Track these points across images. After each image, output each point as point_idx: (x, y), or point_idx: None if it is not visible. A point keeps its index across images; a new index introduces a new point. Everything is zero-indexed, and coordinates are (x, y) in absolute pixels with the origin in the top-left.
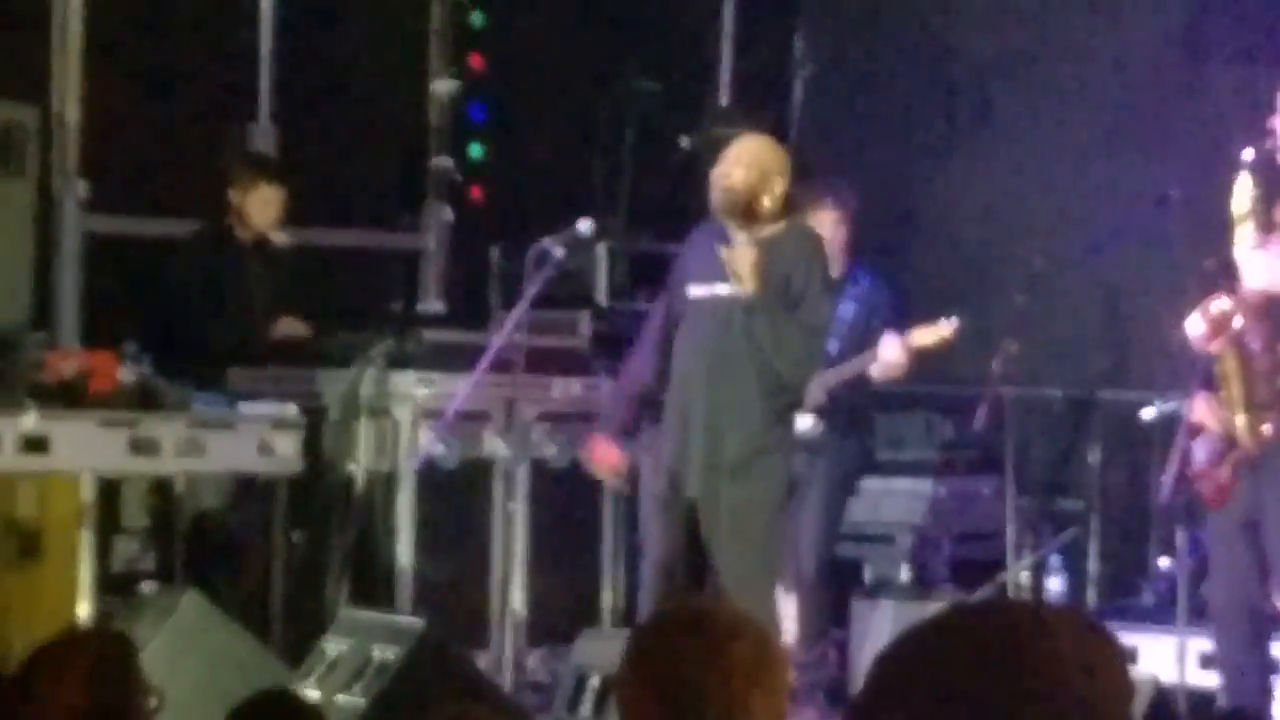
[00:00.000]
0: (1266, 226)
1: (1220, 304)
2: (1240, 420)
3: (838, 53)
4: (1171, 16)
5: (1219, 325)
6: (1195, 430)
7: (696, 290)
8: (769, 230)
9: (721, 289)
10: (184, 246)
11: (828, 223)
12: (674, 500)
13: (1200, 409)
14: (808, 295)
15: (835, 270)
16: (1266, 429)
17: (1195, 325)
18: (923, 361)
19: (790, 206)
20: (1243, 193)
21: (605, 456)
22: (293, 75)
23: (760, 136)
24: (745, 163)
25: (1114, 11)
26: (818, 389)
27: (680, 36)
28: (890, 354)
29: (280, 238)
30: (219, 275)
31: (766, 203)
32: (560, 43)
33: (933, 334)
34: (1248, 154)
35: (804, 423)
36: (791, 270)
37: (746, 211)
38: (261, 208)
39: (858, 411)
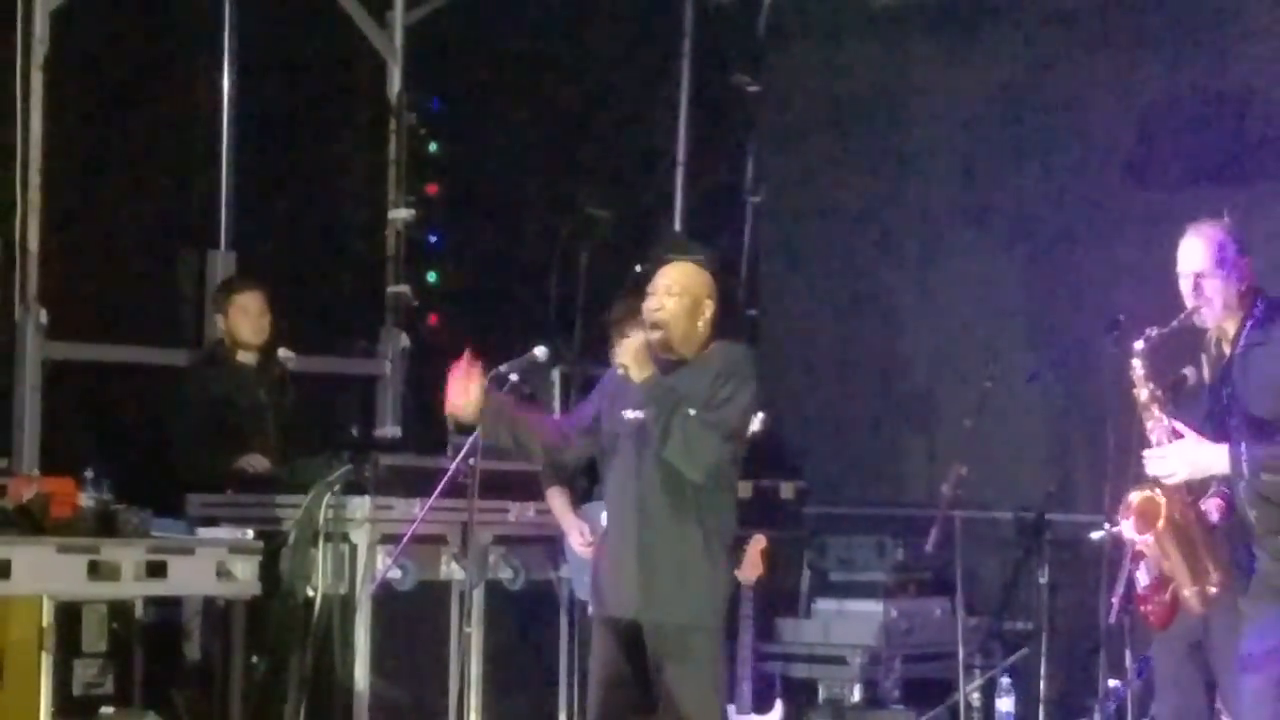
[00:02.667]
0: (1164, 404)
1: (1139, 494)
2: (1189, 593)
3: (789, 179)
4: (1115, 143)
5: (1146, 516)
6: (1138, 556)
7: (621, 419)
8: (701, 353)
9: (643, 414)
10: (189, 373)
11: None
12: (616, 619)
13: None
14: (720, 400)
15: None
16: (1212, 590)
17: (1126, 527)
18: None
19: (714, 330)
20: (1139, 385)
21: (461, 387)
22: (252, 203)
23: (687, 262)
24: (676, 292)
25: (1055, 140)
26: None
27: (634, 163)
28: None
29: (287, 356)
30: (225, 399)
31: (699, 327)
32: (515, 171)
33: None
34: (1139, 345)
35: None
36: (714, 382)
37: (679, 339)
38: (243, 317)
39: None
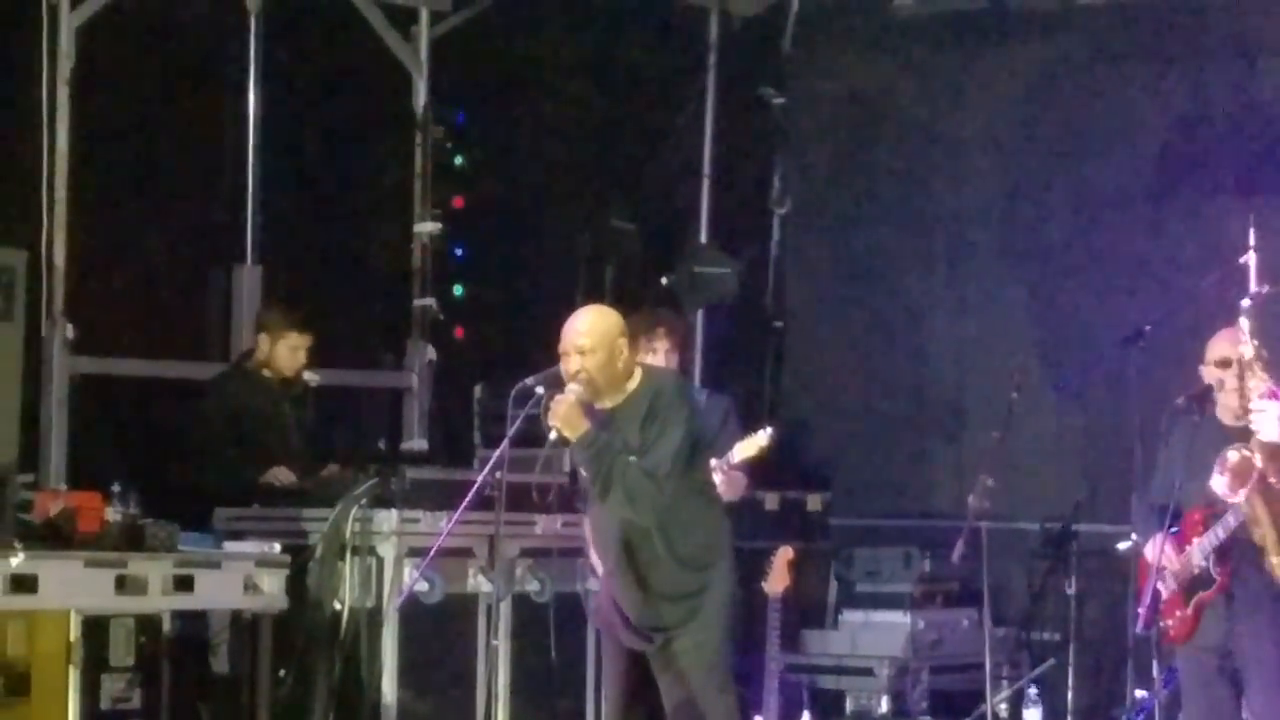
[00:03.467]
0: (1268, 367)
1: (1237, 453)
2: (1276, 561)
3: (815, 190)
4: (1137, 155)
5: (1240, 475)
6: (1157, 570)
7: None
8: (626, 391)
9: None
10: (213, 386)
11: (661, 350)
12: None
13: (1157, 552)
14: (649, 443)
15: None
16: None
17: (1218, 481)
18: (756, 471)
19: (632, 365)
20: (1245, 342)
21: None
22: (278, 217)
23: (591, 311)
24: (590, 348)
25: (1078, 154)
26: None
27: (659, 175)
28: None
29: (312, 378)
30: (248, 412)
31: (619, 368)
32: (541, 184)
33: (752, 446)
34: (1245, 303)
35: None
36: (643, 424)
37: (605, 390)
38: (289, 354)
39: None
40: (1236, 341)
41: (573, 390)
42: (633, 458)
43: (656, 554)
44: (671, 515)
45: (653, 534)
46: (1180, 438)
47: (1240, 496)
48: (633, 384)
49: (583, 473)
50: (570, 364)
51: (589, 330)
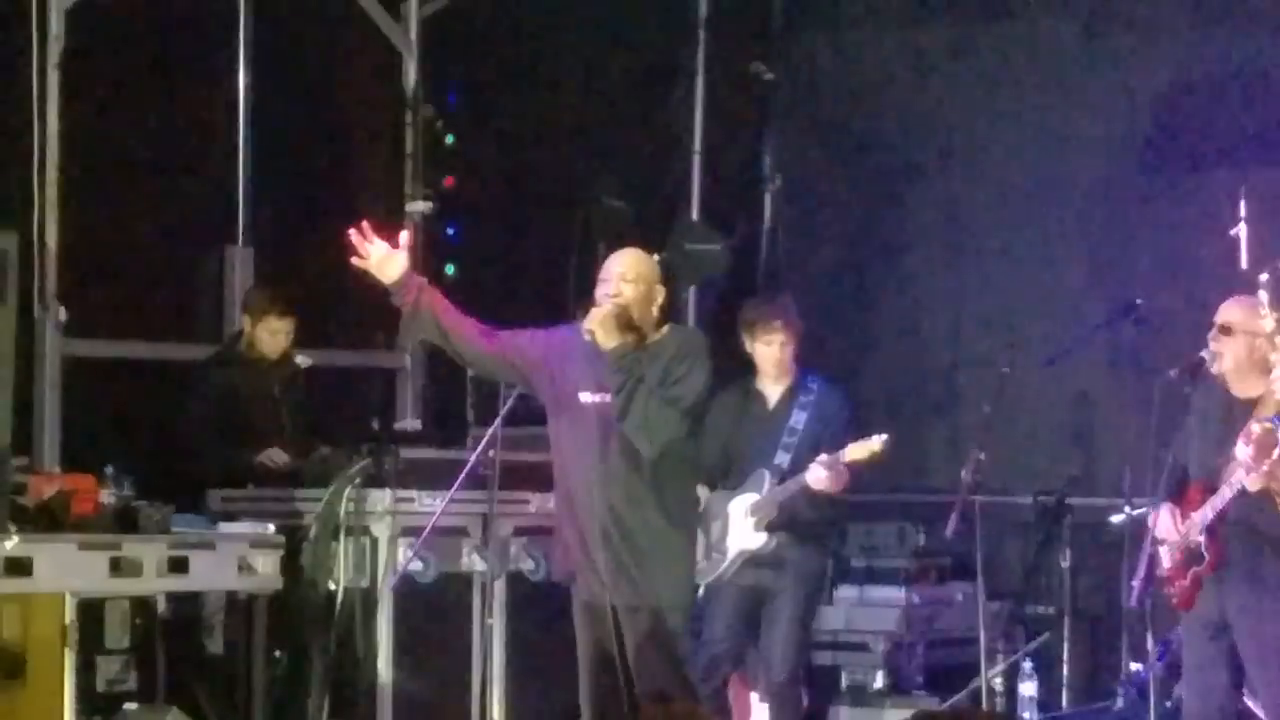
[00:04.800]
0: None
1: (1260, 426)
2: None
3: (807, 166)
4: (1127, 128)
5: (1264, 446)
6: (1159, 540)
7: (587, 397)
8: (654, 337)
9: (601, 398)
10: (204, 368)
11: (777, 342)
12: (593, 605)
13: (1164, 523)
14: (677, 377)
15: (784, 382)
16: None
17: (1241, 450)
18: (858, 474)
19: (668, 314)
20: (1266, 315)
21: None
22: (270, 199)
23: (638, 250)
24: (631, 278)
25: (1070, 125)
26: (769, 505)
27: (651, 152)
28: (819, 481)
29: (304, 360)
30: (239, 393)
31: (654, 313)
32: (532, 162)
33: (864, 449)
34: (1264, 277)
35: (760, 539)
36: (670, 363)
37: (634, 324)
38: (269, 338)
39: (819, 524)
40: (1244, 309)
41: (615, 302)
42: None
43: (637, 505)
44: (669, 466)
45: (642, 484)
46: (1195, 406)
47: (1264, 467)
48: (662, 334)
49: (549, 389)
50: (610, 286)
51: (633, 264)
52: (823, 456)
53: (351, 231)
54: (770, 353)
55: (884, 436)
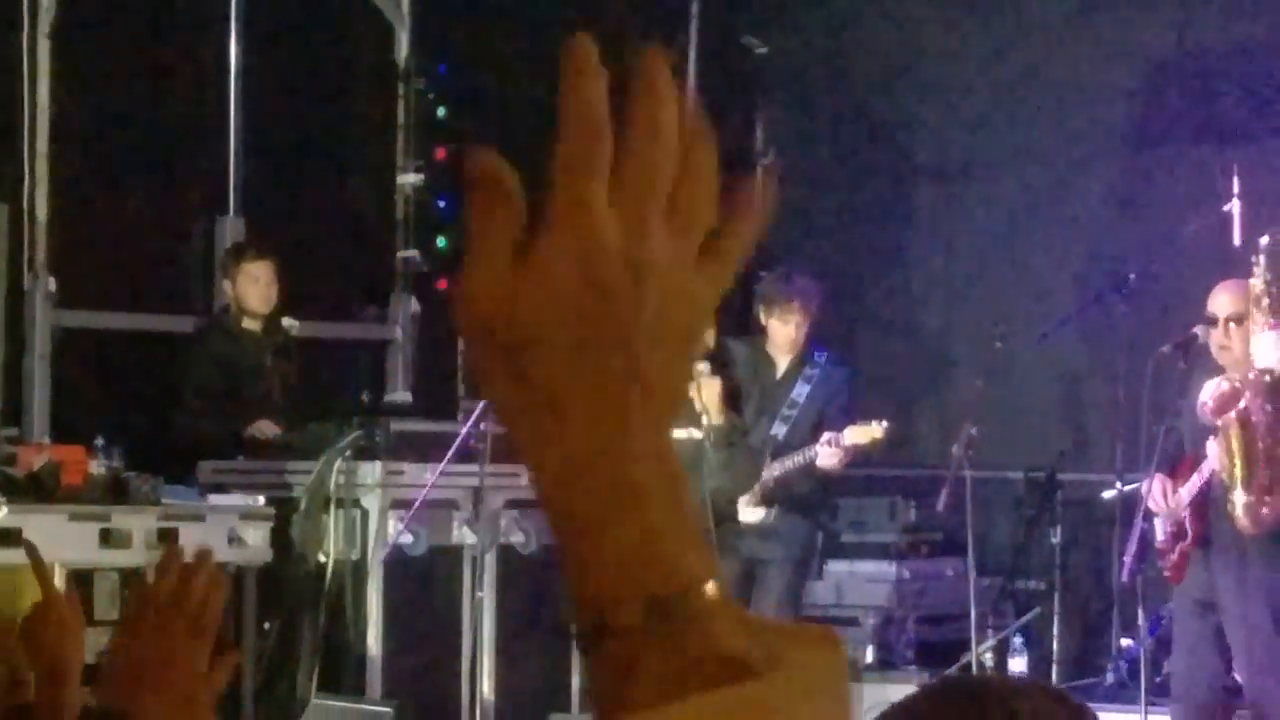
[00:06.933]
0: (1274, 310)
1: (1229, 383)
2: (1238, 498)
3: (799, 141)
4: (1121, 103)
5: (1226, 402)
6: (1151, 512)
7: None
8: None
9: (693, 432)
10: (194, 339)
11: (793, 322)
12: None
13: (1155, 495)
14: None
15: (794, 353)
16: (1266, 513)
17: (1206, 391)
18: (856, 456)
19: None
20: (1256, 277)
21: None
22: (261, 169)
23: None
24: None
25: (1063, 100)
26: (766, 476)
27: None
28: (829, 459)
29: (290, 324)
30: (230, 364)
31: None
32: (524, 134)
33: (865, 434)
34: (1264, 240)
35: (756, 513)
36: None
37: None
38: (252, 285)
39: (809, 496)
40: (1231, 294)
41: (706, 372)
42: None
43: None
44: None
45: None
46: (1194, 383)
47: (1220, 422)
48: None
49: None
50: None
51: None
52: (827, 435)
53: None
54: (785, 330)
55: (885, 424)
